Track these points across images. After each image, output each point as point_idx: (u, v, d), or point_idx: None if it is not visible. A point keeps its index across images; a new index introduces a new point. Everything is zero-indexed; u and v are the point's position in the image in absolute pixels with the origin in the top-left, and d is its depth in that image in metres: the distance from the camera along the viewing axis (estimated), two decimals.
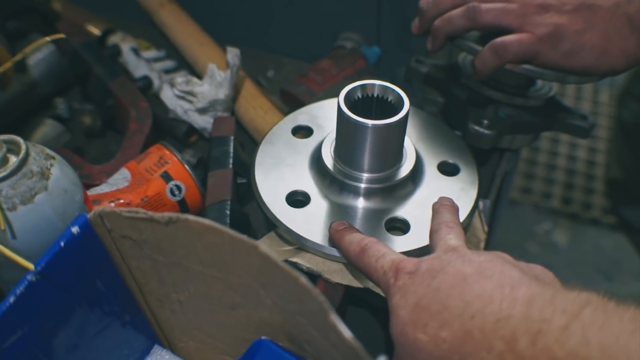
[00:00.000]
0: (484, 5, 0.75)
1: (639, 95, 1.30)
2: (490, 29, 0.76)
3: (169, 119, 0.88)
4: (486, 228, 0.77)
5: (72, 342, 0.53)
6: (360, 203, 0.70)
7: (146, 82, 0.91)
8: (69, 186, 0.56)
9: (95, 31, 1.02)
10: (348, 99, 0.68)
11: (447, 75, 0.90)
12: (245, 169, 0.78)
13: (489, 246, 1.13)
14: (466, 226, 0.72)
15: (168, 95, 0.87)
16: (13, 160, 0.53)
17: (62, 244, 0.48)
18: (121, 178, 0.74)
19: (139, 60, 0.97)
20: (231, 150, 0.78)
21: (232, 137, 0.79)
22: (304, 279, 0.44)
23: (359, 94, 0.69)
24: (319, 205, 0.69)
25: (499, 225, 1.13)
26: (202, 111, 0.86)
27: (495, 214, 1.05)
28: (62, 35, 0.71)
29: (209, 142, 0.84)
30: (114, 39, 1.00)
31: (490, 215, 0.82)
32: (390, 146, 0.69)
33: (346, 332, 0.41)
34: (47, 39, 0.81)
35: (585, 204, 2.16)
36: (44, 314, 0.49)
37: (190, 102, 0.86)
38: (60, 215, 0.55)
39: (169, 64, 1.01)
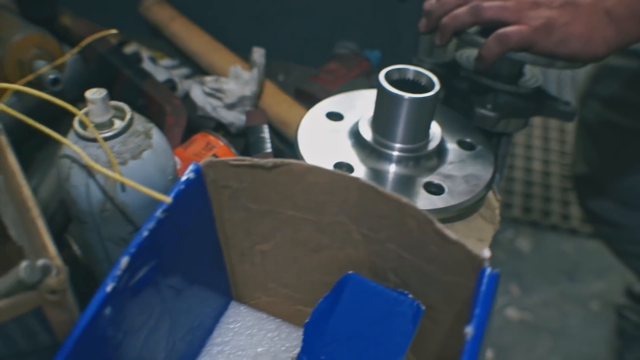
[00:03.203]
0: (486, 3, 0.85)
1: (600, 95, 1.42)
2: (491, 24, 0.86)
3: (197, 118, 0.95)
4: (498, 197, 0.85)
5: (178, 286, 0.58)
6: (396, 169, 0.78)
7: (171, 84, 0.98)
8: (166, 147, 0.62)
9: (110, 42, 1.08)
10: (387, 78, 0.77)
11: (448, 71, 0.99)
12: (280, 154, 0.85)
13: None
14: (484, 195, 0.81)
15: (197, 94, 0.94)
16: (119, 123, 0.60)
17: (182, 187, 0.54)
18: None
19: (158, 67, 1.03)
20: (268, 136, 0.85)
21: (266, 125, 0.87)
22: (405, 199, 0.52)
23: (396, 76, 0.79)
24: (361, 172, 0.77)
25: None
26: (230, 107, 0.93)
27: None
28: (110, 31, 0.79)
29: (236, 137, 0.92)
30: (130, 48, 1.06)
31: (499, 188, 0.91)
32: (422, 120, 0.78)
33: (451, 235, 0.49)
34: (89, 40, 0.88)
35: (544, 212, 2.28)
36: (165, 252, 0.55)
37: (219, 99, 0.93)
38: (161, 172, 0.61)
39: (185, 70, 1.08)
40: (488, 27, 0.87)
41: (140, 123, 0.61)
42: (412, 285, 0.57)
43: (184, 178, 0.55)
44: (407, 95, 0.75)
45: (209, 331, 0.68)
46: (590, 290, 2.07)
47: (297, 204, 0.58)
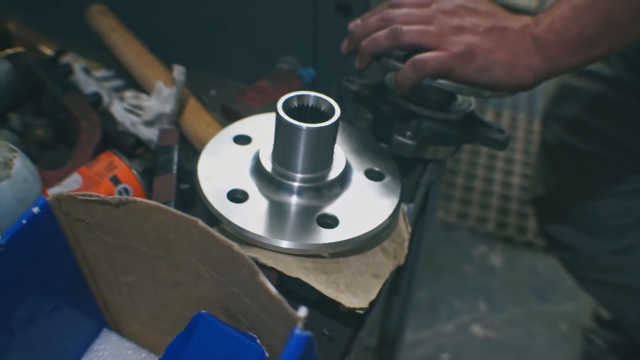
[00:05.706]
0: (406, 27, 0.83)
1: (558, 116, 1.40)
2: (411, 48, 0.84)
3: (117, 132, 0.95)
4: (409, 229, 0.84)
5: (29, 316, 0.58)
6: (294, 200, 0.77)
7: (96, 97, 0.98)
8: (29, 176, 0.62)
9: (48, 51, 1.08)
10: (286, 107, 0.75)
11: (375, 93, 0.98)
12: (188, 176, 0.85)
13: (415, 250, 1.21)
14: (388, 225, 0.80)
15: (117, 109, 0.94)
16: None
17: (24, 221, 0.54)
18: (73, 181, 0.80)
19: (89, 79, 1.03)
20: (175, 157, 0.84)
21: (176, 147, 0.86)
22: (237, 247, 0.51)
23: (296, 103, 0.77)
24: (257, 202, 0.76)
25: (428, 235, 1.21)
26: (149, 124, 0.92)
27: (423, 222, 1.13)
28: (20, 49, 0.77)
29: (154, 153, 0.91)
30: (66, 58, 1.06)
31: (414, 219, 0.90)
32: (321, 149, 0.77)
33: (272, 289, 0.48)
34: (9, 51, 0.88)
35: (520, 228, 2.26)
36: (5, 285, 0.54)
37: (138, 115, 0.93)
38: (20, 201, 0.60)
39: (117, 82, 1.08)
40: (411, 51, 0.85)
41: (1, 152, 0.61)
42: (258, 329, 0.57)
43: (28, 212, 0.55)
44: (304, 125, 0.74)
45: (76, 357, 0.67)
46: (560, 310, 2.05)
47: (148, 240, 0.57)
